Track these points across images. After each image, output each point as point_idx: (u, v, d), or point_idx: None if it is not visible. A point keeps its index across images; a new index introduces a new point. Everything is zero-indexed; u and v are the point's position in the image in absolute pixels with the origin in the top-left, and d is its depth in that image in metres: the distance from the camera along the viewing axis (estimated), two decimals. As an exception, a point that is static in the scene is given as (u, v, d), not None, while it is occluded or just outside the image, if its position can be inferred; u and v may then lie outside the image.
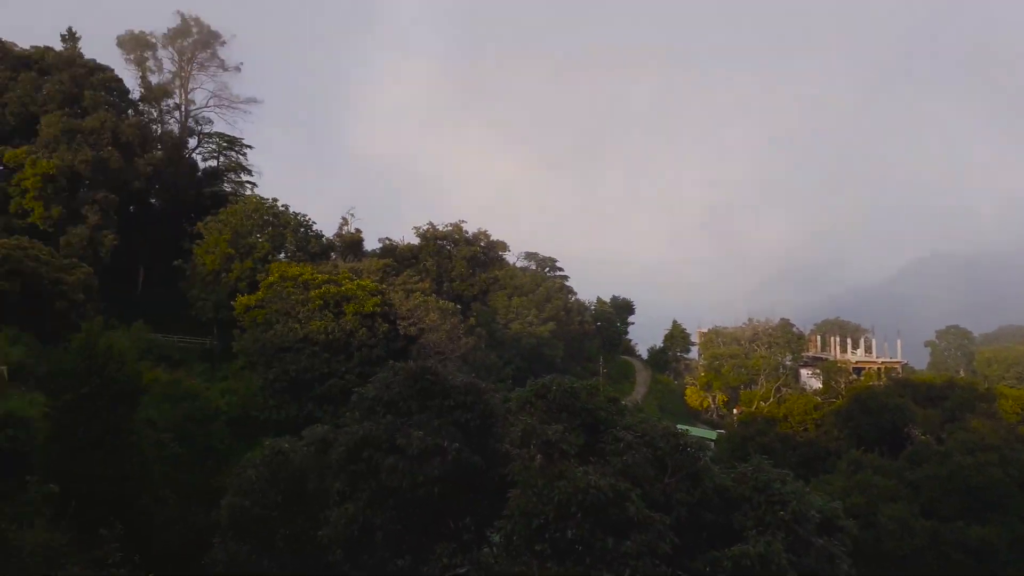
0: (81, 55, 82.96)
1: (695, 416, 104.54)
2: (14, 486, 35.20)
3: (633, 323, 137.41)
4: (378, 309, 68.35)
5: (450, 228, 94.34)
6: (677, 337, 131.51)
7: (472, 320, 78.64)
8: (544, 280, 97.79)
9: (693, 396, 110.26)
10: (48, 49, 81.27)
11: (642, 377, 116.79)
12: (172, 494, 40.24)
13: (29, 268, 59.31)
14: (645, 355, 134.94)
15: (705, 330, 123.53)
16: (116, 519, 28.31)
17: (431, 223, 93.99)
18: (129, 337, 53.11)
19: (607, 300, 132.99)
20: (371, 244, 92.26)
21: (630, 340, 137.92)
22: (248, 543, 25.79)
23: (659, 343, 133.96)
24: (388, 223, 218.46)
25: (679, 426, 30.26)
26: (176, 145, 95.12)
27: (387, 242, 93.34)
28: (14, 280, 57.78)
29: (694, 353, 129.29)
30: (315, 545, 23.96)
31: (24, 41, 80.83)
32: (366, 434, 24.19)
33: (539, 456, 22.93)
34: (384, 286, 73.38)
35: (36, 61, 78.50)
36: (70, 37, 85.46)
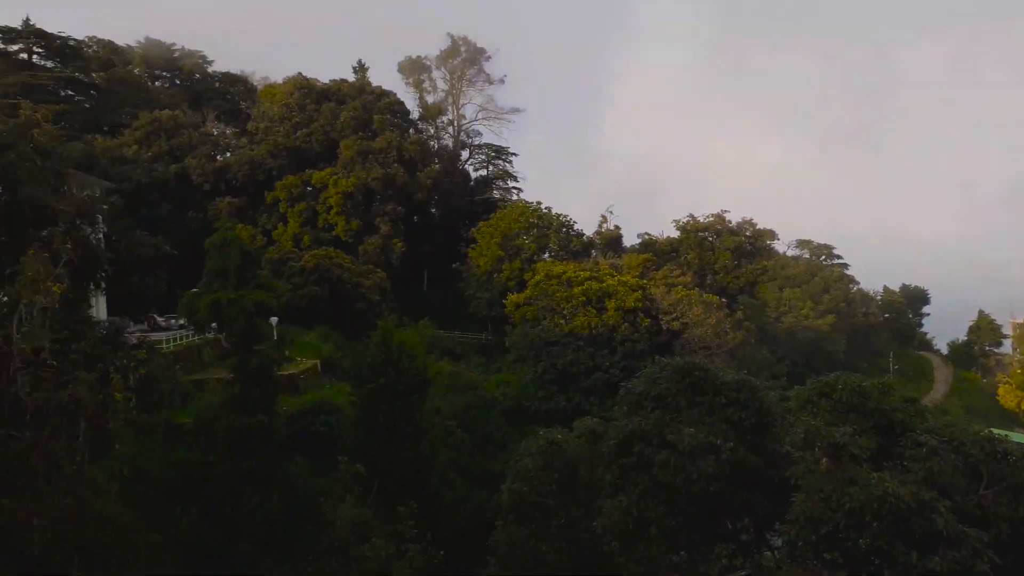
0: (369, 83, 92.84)
1: (1011, 419, 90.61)
2: (327, 465, 40.13)
3: (928, 314, 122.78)
4: (639, 304, 68.16)
5: (711, 219, 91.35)
6: (984, 329, 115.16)
7: (739, 314, 75.33)
8: (820, 269, 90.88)
9: (1008, 396, 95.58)
10: (343, 81, 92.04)
11: (941, 375, 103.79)
12: (458, 477, 43.35)
13: (335, 275, 67.87)
14: (944, 349, 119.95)
15: (1020, 320, 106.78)
16: (411, 498, 31.02)
17: (691, 215, 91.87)
18: (417, 333, 58.13)
19: (896, 289, 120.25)
20: (630, 240, 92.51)
21: (925, 333, 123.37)
22: (527, 528, 26.85)
23: (962, 336, 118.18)
24: (647, 218, 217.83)
25: (993, 430, 26.25)
26: (451, 158, 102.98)
27: (646, 237, 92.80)
28: (323, 286, 66.52)
29: (1007, 347, 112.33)
30: (590, 534, 24.27)
31: (325, 77, 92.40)
32: (635, 428, 23.99)
33: (825, 459, 21.11)
34: (645, 281, 73.01)
35: (334, 93, 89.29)
36: (360, 69, 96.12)
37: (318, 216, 78.84)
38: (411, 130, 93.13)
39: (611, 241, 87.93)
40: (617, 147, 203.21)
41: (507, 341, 70.65)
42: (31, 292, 15.94)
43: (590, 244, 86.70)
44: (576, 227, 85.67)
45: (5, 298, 17.74)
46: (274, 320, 47.12)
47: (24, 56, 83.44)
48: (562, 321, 66.35)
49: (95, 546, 15.71)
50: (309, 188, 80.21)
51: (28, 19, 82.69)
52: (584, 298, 67.26)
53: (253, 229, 74.74)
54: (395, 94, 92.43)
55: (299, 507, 35.82)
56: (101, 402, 16.27)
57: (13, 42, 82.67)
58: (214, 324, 41.24)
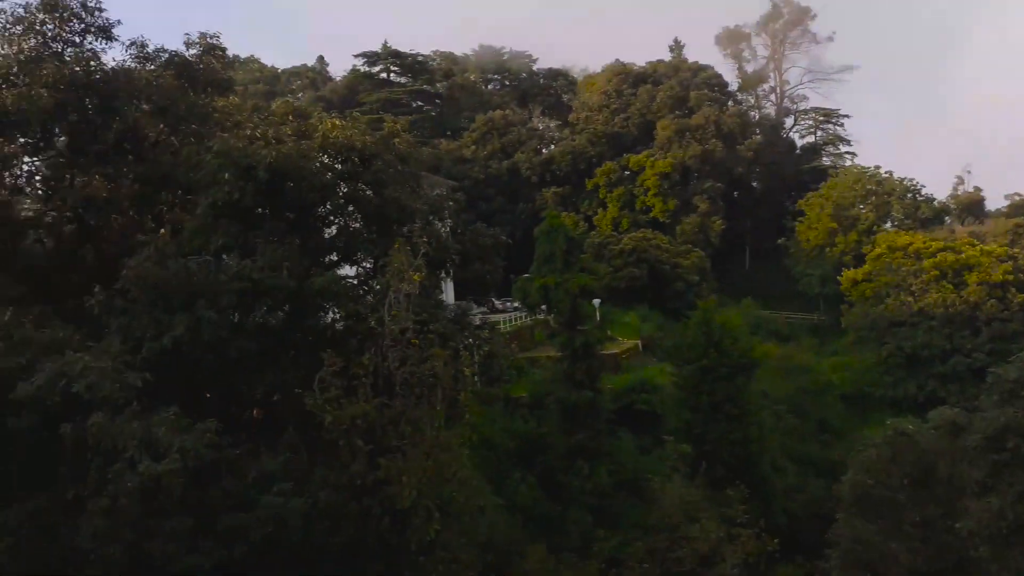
0: (685, 60, 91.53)
1: None
2: (651, 443, 40.68)
3: None
4: (1010, 277, 58.50)
5: (1111, 171, 74.83)
6: None
7: None
8: None
9: None
10: (659, 62, 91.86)
11: None
12: (790, 464, 41.24)
13: (653, 256, 68.50)
14: None
15: None
16: (740, 482, 30.17)
17: (1081, 167, 76.09)
18: (739, 313, 56.34)
19: None
20: (994, 203, 79.44)
21: None
22: (873, 523, 24.65)
23: None
24: (1016, 176, 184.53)
25: None
26: (773, 127, 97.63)
27: (1016, 198, 79.00)
28: (642, 267, 67.53)
29: None
30: (951, 536, 21.53)
31: (642, 60, 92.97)
32: (1009, 421, 20.76)
33: None
34: (1016, 250, 62.34)
35: (650, 75, 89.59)
36: (676, 47, 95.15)
37: (636, 199, 79.90)
38: (730, 102, 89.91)
39: (970, 205, 76.51)
40: (976, 98, 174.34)
41: (843, 321, 65.24)
42: (398, 280, 18.37)
43: (943, 210, 76.35)
44: (924, 192, 76.00)
45: (378, 286, 20.70)
46: (597, 301, 48.74)
47: (384, 75, 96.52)
48: (910, 298, 59.46)
49: (451, 504, 17.72)
50: (627, 172, 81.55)
51: (386, 43, 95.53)
52: (937, 272, 59.51)
53: (576, 216, 78.05)
54: (712, 68, 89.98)
55: (625, 482, 36.82)
56: (453, 376, 18.23)
57: (375, 64, 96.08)
58: (543, 306, 43.97)
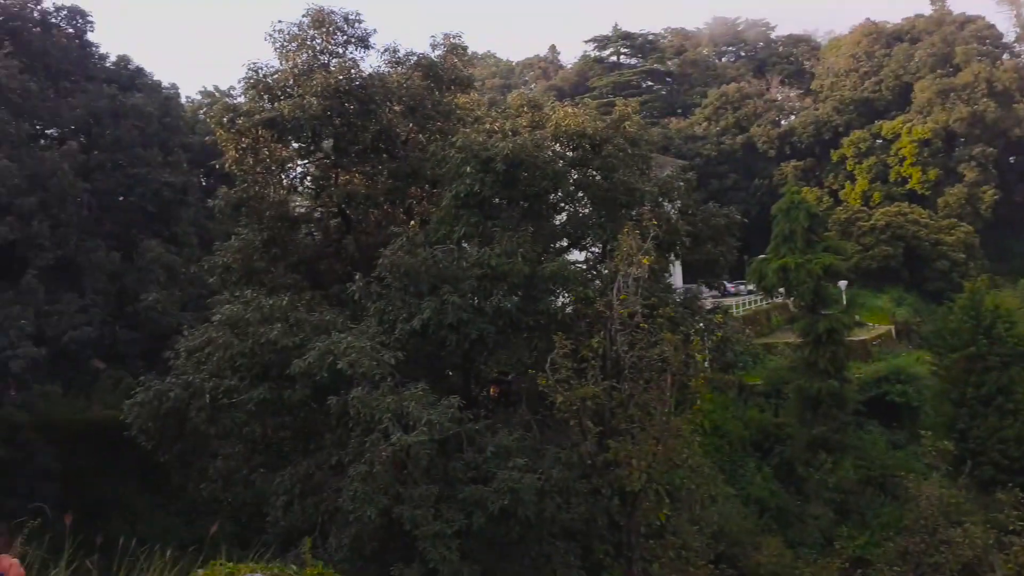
0: (949, 12, 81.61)
1: None
2: (905, 438, 37.42)
3: None
4: None
5: None
6: None
7: None
8: None
9: None
10: (917, 17, 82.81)
11: None
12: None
13: (909, 232, 62.33)
14: None
15: None
16: (1013, 484, 26.90)
17: None
18: (1016, 295, 49.71)
19: None
20: None
21: None
22: None
23: None
24: None
25: None
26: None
27: None
28: (896, 245, 61.69)
29: None
30: None
31: (895, 17, 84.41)
32: None
33: None
34: None
35: (907, 32, 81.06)
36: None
37: (889, 169, 72.88)
38: (1005, 56, 78.81)
39: None
40: None
41: None
42: (626, 264, 18.49)
43: None
44: None
45: (606, 271, 21.00)
46: (843, 283, 45.44)
47: (613, 59, 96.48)
48: None
49: (681, 490, 17.63)
50: (879, 140, 74.63)
51: (616, 25, 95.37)
52: None
53: (819, 191, 73.09)
54: (983, 18, 79.42)
55: (873, 478, 34.32)
56: (683, 361, 18.03)
57: (605, 48, 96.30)
58: (781, 288, 41.79)
